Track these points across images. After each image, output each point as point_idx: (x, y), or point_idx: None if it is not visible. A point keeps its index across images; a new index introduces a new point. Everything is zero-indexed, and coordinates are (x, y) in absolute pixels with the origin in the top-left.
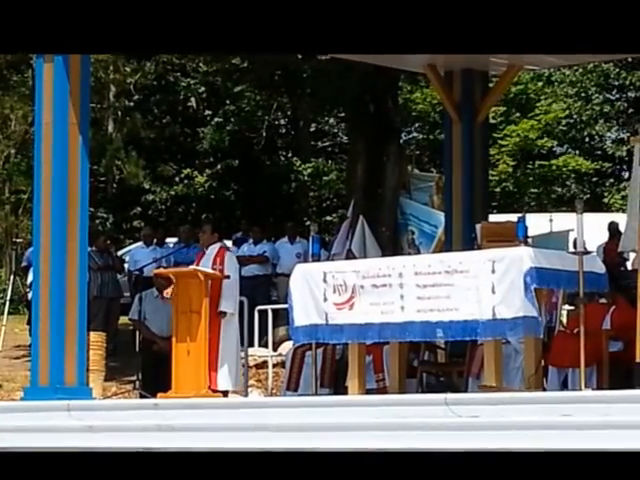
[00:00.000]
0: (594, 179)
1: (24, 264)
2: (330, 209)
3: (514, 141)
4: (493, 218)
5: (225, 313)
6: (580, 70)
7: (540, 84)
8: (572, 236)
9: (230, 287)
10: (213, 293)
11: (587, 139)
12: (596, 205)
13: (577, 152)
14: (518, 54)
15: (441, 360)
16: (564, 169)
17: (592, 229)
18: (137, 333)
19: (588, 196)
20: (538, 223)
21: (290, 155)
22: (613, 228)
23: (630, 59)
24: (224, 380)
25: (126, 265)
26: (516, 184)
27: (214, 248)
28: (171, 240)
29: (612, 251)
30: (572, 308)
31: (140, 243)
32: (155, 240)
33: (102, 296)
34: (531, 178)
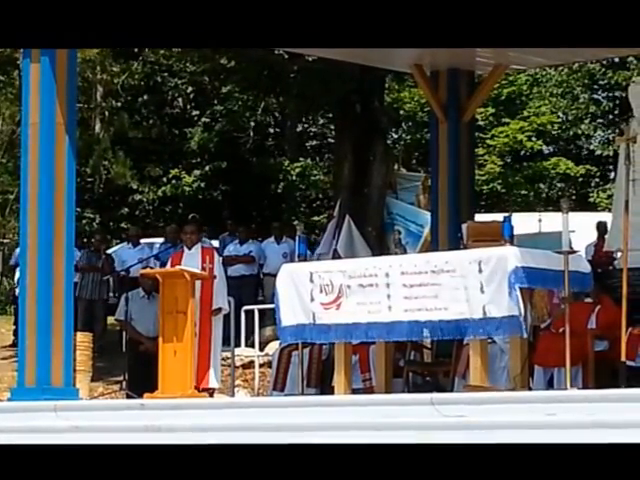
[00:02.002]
0: (580, 179)
1: (12, 263)
2: (319, 209)
3: (502, 141)
4: (481, 218)
5: (220, 310)
6: (566, 70)
7: (527, 84)
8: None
9: (222, 285)
10: (205, 292)
11: (573, 139)
12: (583, 204)
13: (564, 152)
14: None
15: (427, 360)
16: (552, 171)
17: (584, 228)
18: (124, 333)
19: (574, 197)
20: (527, 223)
21: (278, 155)
22: (602, 227)
23: (617, 59)
24: (214, 378)
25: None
26: (504, 184)
27: (197, 247)
28: (157, 240)
29: (602, 250)
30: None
31: (124, 243)
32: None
33: (80, 297)
34: (520, 179)
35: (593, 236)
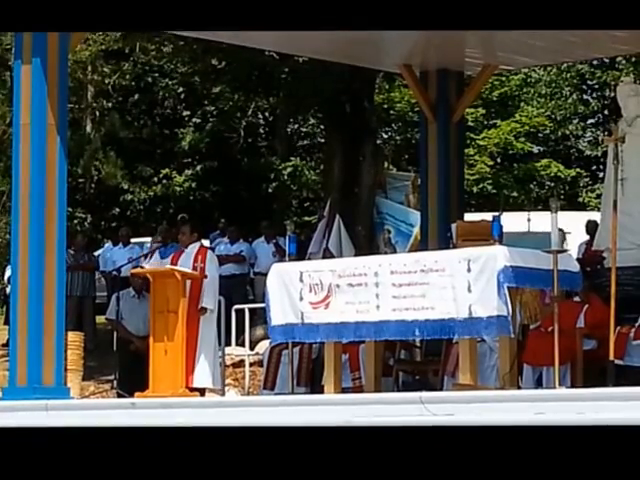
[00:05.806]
0: (569, 179)
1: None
2: (311, 210)
3: (493, 142)
4: (471, 217)
5: (206, 309)
6: (555, 70)
7: (517, 87)
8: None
9: (211, 285)
10: (193, 291)
11: (562, 139)
12: (572, 204)
13: (553, 153)
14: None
15: (417, 359)
16: (543, 172)
17: (575, 228)
18: (115, 333)
19: (563, 197)
20: (516, 222)
21: (269, 155)
22: (591, 226)
23: (606, 59)
24: (202, 378)
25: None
26: (495, 184)
27: (194, 247)
28: (147, 239)
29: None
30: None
31: (109, 244)
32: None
33: (72, 295)
34: (510, 179)
35: (585, 235)
